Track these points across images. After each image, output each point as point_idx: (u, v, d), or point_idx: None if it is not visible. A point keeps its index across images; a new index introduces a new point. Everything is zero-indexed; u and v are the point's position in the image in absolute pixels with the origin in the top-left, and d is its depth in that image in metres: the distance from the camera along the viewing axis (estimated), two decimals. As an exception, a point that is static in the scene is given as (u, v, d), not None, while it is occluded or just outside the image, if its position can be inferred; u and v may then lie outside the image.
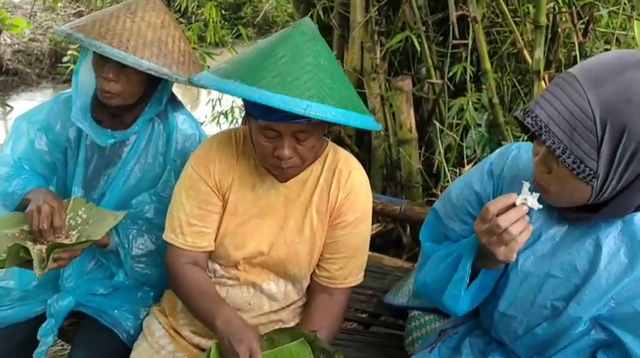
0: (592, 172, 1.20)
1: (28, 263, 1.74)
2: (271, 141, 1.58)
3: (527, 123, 1.21)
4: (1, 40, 8.23)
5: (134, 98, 1.95)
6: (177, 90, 2.11)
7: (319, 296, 1.80)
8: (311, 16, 3.36)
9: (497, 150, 1.54)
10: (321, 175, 1.75)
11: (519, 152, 1.47)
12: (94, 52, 1.87)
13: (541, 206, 1.27)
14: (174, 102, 2.10)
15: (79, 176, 2.04)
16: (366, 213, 1.79)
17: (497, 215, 1.26)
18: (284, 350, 1.56)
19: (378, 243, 3.26)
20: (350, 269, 1.78)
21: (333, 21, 3.38)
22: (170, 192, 1.91)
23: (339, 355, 1.56)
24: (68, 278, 2.03)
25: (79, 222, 1.91)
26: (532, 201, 1.27)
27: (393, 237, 3.27)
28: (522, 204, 1.26)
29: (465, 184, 1.55)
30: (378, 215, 3.12)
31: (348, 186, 1.74)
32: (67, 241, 1.84)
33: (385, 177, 3.40)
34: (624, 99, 1.16)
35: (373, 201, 2.92)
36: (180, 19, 8.78)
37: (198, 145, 1.88)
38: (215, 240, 1.79)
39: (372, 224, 3.17)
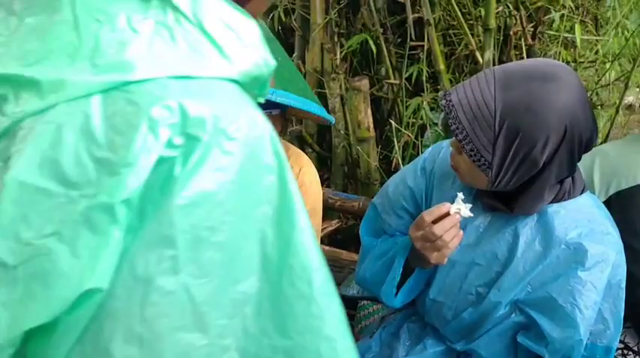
0: (487, 163, 1.31)
1: None
2: None
3: (441, 104, 1.33)
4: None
5: None
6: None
7: None
8: (272, 17, 3.44)
9: (430, 147, 1.64)
10: None
11: (449, 148, 1.57)
12: None
13: (472, 214, 1.37)
14: None
15: None
16: (316, 208, 1.86)
17: (432, 223, 1.35)
18: None
19: (338, 239, 3.34)
20: None
21: (294, 22, 3.46)
22: None
23: None
24: None
25: None
26: (465, 210, 1.36)
27: (353, 232, 3.36)
28: (456, 213, 1.36)
29: (400, 180, 1.65)
30: (337, 211, 3.22)
31: (298, 182, 1.82)
32: None
33: (346, 175, 3.49)
34: (524, 106, 1.26)
35: (332, 198, 3.05)
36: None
37: None
38: None
39: (332, 220, 3.29)
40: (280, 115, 1.66)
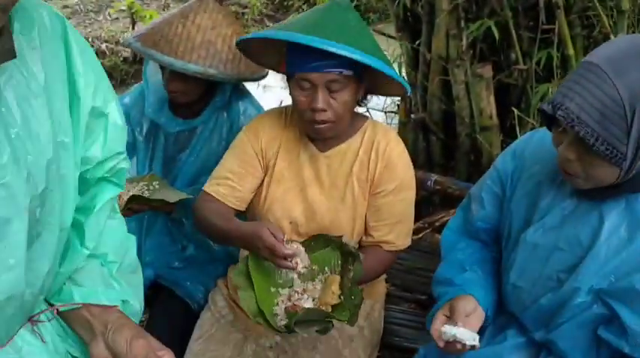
0: (622, 155, 1.23)
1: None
2: (307, 95, 1.70)
3: (559, 116, 1.24)
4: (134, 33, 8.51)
5: (198, 94, 2.13)
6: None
7: (366, 248, 1.90)
8: (398, 4, 3.42)
9: (527, 134, 1.61)
10: (360, 147, 1.86)
11: (544, 135, 1.51)
12: None
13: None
14: (239, 92, 2.25)
15: (158, 160, 2.27)
16: (406, 181, 1.87)
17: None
18: (317, 257, 1.74)
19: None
20: (395, 235, 1.88)
21: (420, 9, 3.41)
22: None
23: (359, 257, 1.68)
24: (147, 253, 2.26)
25: (151, 189, 2.14)
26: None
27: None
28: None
29: (493, 165, 1.62)
30: (457, 201, 3.15)
31: (386, 156, 1.84)
32: (145, 195, 2.08)
33: (472, 163, 3.40)
34: None
35: (452, 188, 3.00)
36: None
37: None
38: (264, 208, 1.89)
39: (451, 209, 3.22)
40: (354, 80, 1.69)
